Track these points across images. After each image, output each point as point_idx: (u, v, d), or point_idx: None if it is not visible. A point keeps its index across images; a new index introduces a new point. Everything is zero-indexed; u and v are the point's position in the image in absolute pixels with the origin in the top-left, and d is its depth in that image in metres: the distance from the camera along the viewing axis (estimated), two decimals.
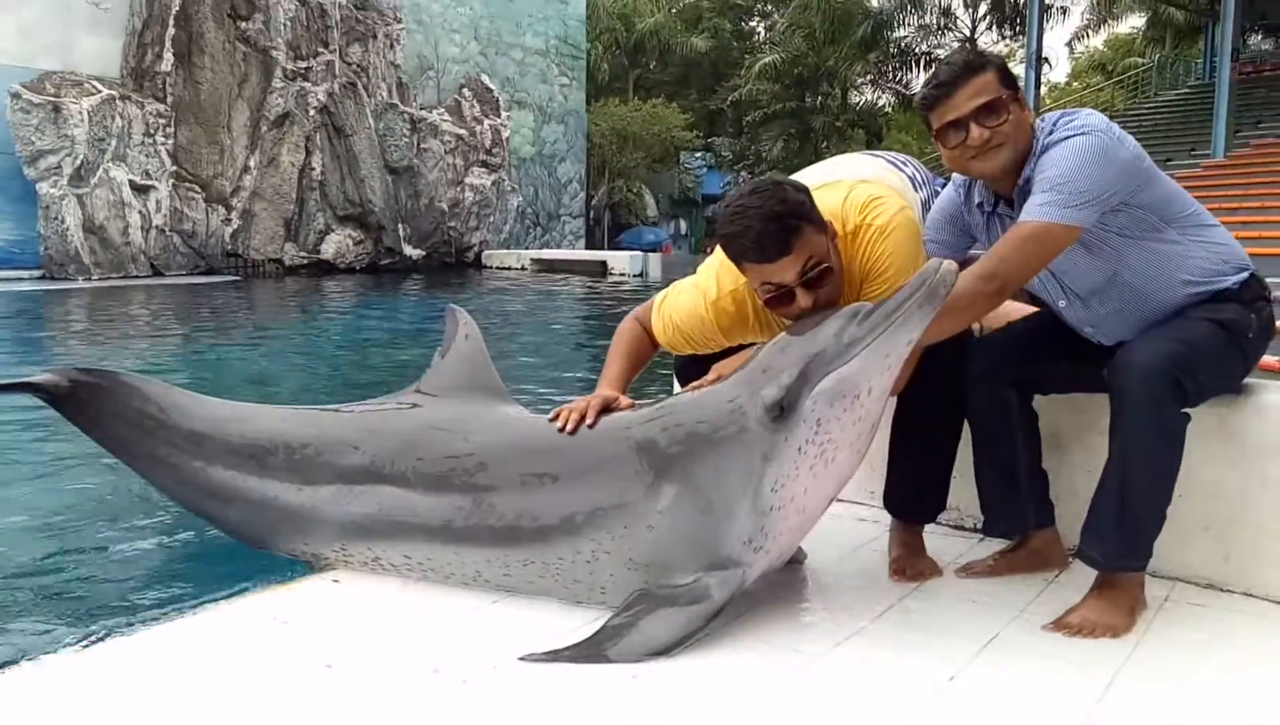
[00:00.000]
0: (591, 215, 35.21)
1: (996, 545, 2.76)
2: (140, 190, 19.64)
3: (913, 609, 2.43)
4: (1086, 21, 37.59)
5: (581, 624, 2.29)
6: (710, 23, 41.30)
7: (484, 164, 26.77)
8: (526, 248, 28.61)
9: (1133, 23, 40.55)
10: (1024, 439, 2.56)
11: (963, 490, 2.80)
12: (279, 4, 21.82)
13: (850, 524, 3.06)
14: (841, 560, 2.80)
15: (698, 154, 39.53)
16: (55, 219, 18.47)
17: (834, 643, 2.22)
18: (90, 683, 2.05)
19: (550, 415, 2.48)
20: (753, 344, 2.47)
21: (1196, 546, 2.56)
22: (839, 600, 2.51)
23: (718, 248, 2.41)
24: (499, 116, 27.38)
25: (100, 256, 19.10)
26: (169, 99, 20.23)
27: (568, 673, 2.06)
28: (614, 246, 33.04)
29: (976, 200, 2.45)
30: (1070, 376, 2.54)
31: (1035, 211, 2.17)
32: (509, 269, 25.36)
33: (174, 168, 20.27)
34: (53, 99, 18.28)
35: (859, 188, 2.47)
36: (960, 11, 35.14)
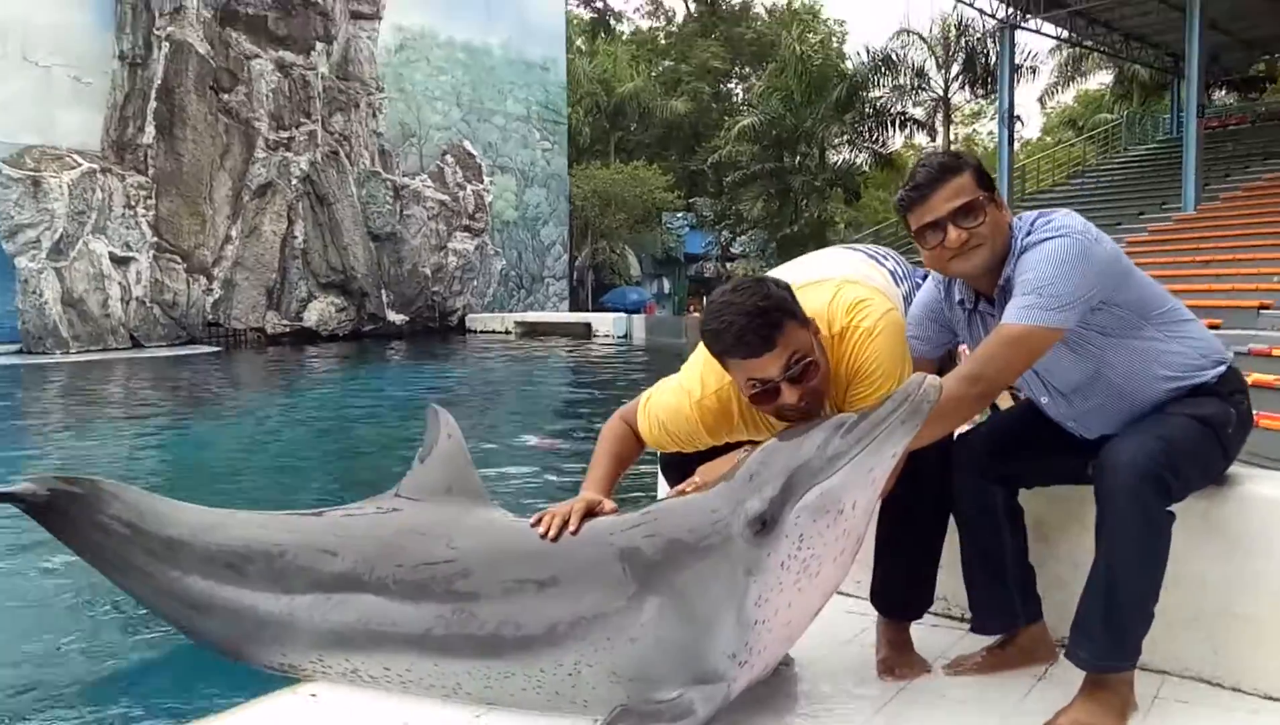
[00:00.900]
0: (575, 276, 35.42)
1: (984, 638, 2.71)
2: (120, 262, 19.65)
3: (902, 713, 2.38)
4: (1056, 79, 38.46)
5: None
6: (689, 86, 42.07)
7: (467, 229, 26.97)
8: (510, 310, 28.71)
9: (1101, 79, 41.54)
10: (1010, 534, 2.54)
11: (951, 579, 2.75)
12: (261, 76, 22.10)
13: (839, 616, 3.00)
14: (829, 656, 2.74)
15: (679, 214, 39.94)
16: (33, 293, 18.44)
17: None
18: None
19: (532, 520, 2.43)
20: (740, 445, 2.45)
21: (1185, 640, 2.52)
22: (827, 705, 2.45)
23: (700, 345, 2.40)
24: (481, 182, 27.66)
25: (79, 329, 19.03)
26: (150, 171, 20.35)
27: None
28: (598, 307, 33.19)
29: (957, 297, 2.47)
30: (1055, 470, 2.54)
31: (1017, 314, 2.19)
32: (493, 332, 25.39)
33: (155, 239, 20.32)
34: (32, 173, 18.35)
35: (845, 288, 2.46)
36: (933, 72, 35.86)
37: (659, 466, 2.87)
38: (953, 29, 34.70)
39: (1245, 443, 2.40)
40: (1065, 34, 29.30)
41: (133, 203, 19.85)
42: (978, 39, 33.84)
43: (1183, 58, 24.14)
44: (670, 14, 50.69)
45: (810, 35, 40.03)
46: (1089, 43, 30.58)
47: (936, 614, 2.93)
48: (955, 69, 35.55)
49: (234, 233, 21.74)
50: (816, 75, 33.50)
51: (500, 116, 30.20)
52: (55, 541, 3.24)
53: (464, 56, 28.87)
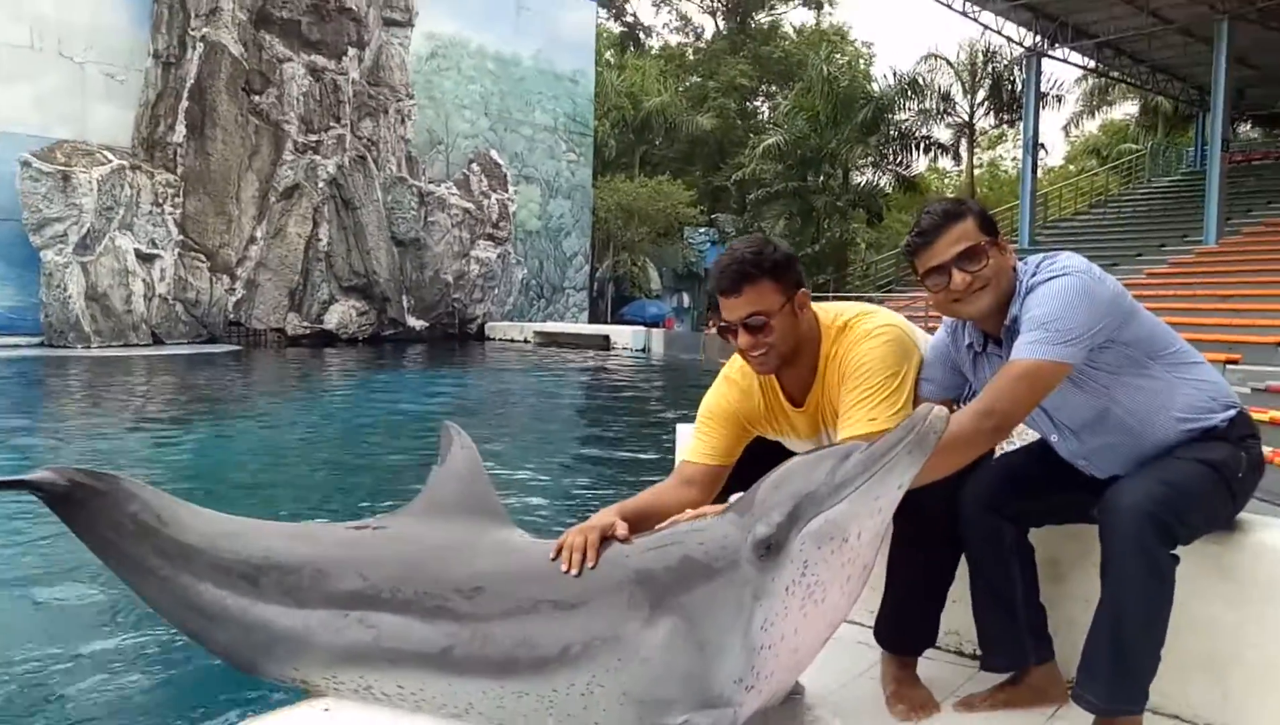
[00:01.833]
0: (595, 288, 35.51)
1: (995, 676, 2.69)
2: (145, 258, 19.85)
3: None
4: (1081, 108, 38.40)
5: None
6: (716, 103, 42.19)
7: (490, 237, 27.10)
8: (530, 319, 28.82)
9: (1126, 110, 41.42)
10: (1021, 571, 2.54)
11: (962, 614, 2.73)
12: (293, 79, 22.32)
13: (850, 647, 2.98)
14: (840, 688, 2.73)
15: (701, 229, 39.98)
16: (58, 286, 18.64)
17: None
18: None
19: (552, 553, 2.45)
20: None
21: (1195, 685, 2.51)
22: None
23: None
24: (506, 191, 27.80)
25: (101, 324, 19.22)
26: (179, 169, 20.57)
27: None
28: (617, 319, 33.24)
29: (966, 341, 2.51)
30: (1066, 508, 2.53)
31: (1024, 350, 2.24)
32: (512, 341, 25.47)
33: (180, 237, 20.52)
34: (63, 168, 18.58)
35: (868, 309, 2.62)
36: (959, 97, 35.87)
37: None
38: (980, 55, 34.75)
39: (1258, 486, 2.40)
40: (1091, 64, 29.30)
41: (160, 200, 20.07)
42: (1004, 66, 33.90)
43: (1209, 91, 24.15)
44: (699, 30, 50.98)
45: (838, 56, 40.13)
46: (1115, 74, 30.58)
47: (947, 650, 2.94)
48: (981, 94, 35.57)
49: (259, 233, 21.94)
50: (843, 96, 33.59)
51: (528, 127, 30.38)
52: (68, 538, 3.25)
53: (494, 66, 29.08)
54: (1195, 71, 27.75)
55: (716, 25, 49.84)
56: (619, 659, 2.28)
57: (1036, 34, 26.16)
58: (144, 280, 19.87)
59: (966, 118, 36.24)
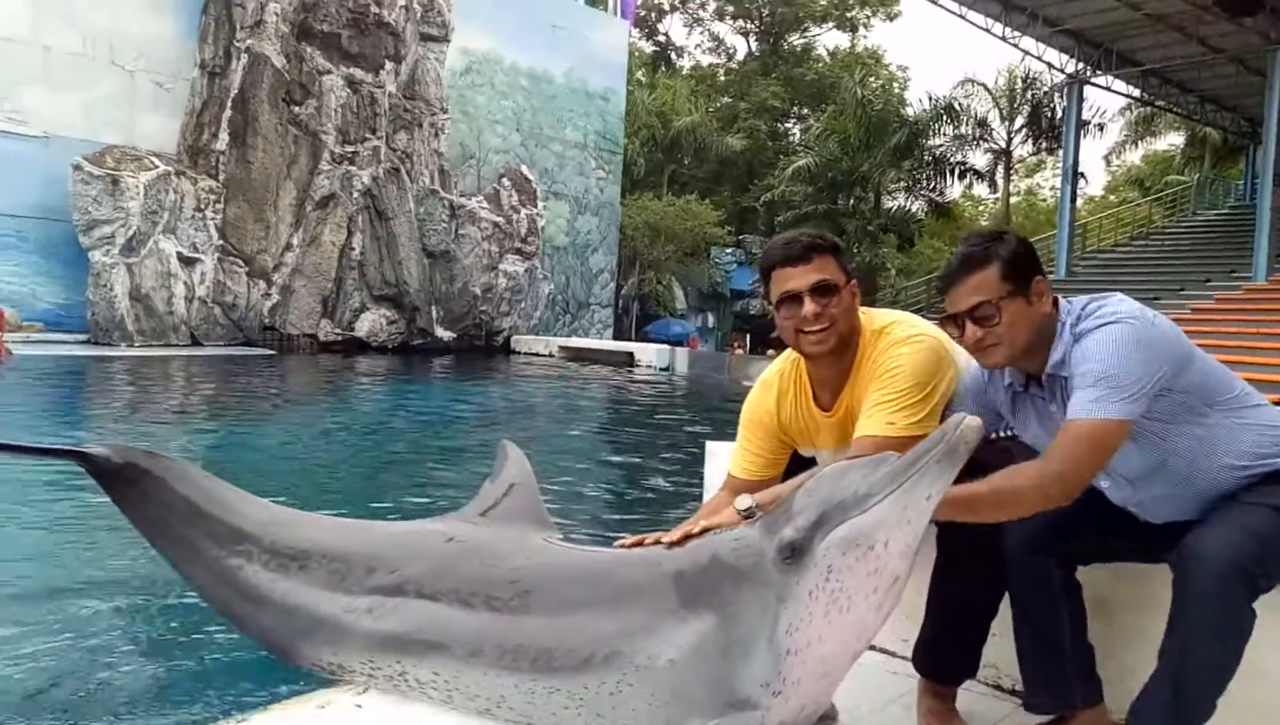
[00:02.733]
0: (620, 305, 35.62)
1: (1036, 715, 2.55)
2: (187, 262, 20.22)
3: None
4: (1124, 137, 37.94)
5: None
6: (746, 123, 42.27)
7: (519, 251, 27.31)
8: (555, 334, 28.98)
9: (1171, 140, 40.82)
10: (1068, 611, 2.44)
11: (1003, 648, 2.62)
12: (332, 91, 22.68)
13: (885, 676, 2.93)
14: (870, 715, 2.69)
15: (728, 250, 40.01)
16: (104, 286, 19.02)
17: None
18: None
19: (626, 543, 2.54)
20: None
21: None
22: None
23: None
24: (536, 206, 28.02)
25: (144, 324, 19.58)
26: (221, 176, 20.96)
27: None
28: (641, 337, 33.30)
29: (1005, 381, 2.44)
30: (1115, 551, 2.47)
31: (1084, 408, 2.15)
32: (537, 355, 25.57)
33: (220, 242, 20.88)
34: (112, 172, 18.99)
35: (908, 317, 2.65)
36: (996, 123, 35.64)
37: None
38: (1019, 81, 34.51)
39: None
40: (1136, 92, 28.87)
41: (202, 206, 20.45)
42: (1044, 92, 33.60)
43: (1260, 123, 23.65)
44: (731, 51, 51.10)
45: (872, 79, 40.12)
46: (1161, 102, 30.07)
47: (985, 684, 2.85)
48: (1019, 121, 35.31)
49: (295, 241, 22.27)
50: (876, 120, 33.52)
51: (558, 143, 30.64)
52: (107, 515, 3.27)
53: (526, 83, 29.37)
54: (1247, 102, 27.21)
55: (749, 46, 49.96)
56: (649, 658, 2.32)
57: (1079, 60, 25.83)
58: (185, 283, 20.24)
59: (1004, 144, 35.99)
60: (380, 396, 15.47)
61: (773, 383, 2.74)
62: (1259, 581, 2.08)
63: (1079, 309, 2.28)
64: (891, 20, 48.49)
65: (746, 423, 2.76)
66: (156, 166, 19.65)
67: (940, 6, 24.41)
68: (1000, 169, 36.92)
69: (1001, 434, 2.58)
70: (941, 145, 35.60)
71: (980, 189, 40.79)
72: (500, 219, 26.83)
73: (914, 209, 37.90)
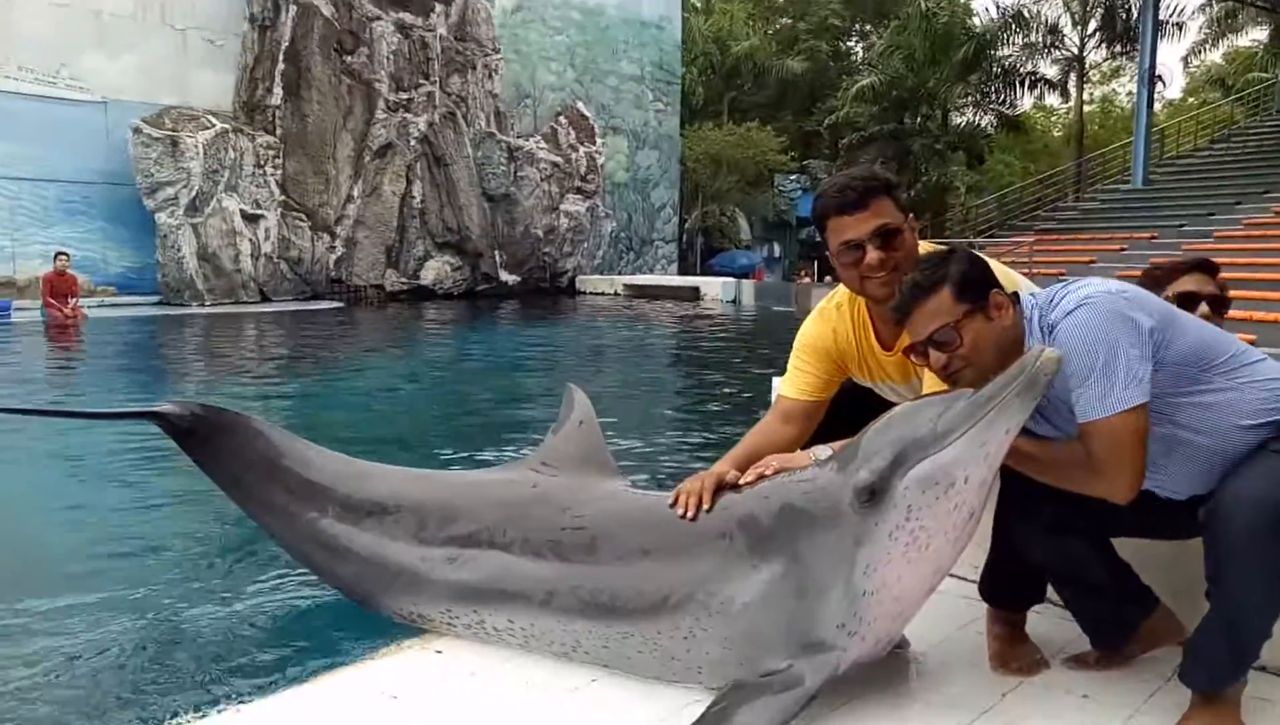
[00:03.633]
0: (684, 239, 35.32)
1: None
2: (250, 219, 20.47)
3: (1020, 706, 2.34)
4: (1204, 36, 36.12)
5: (679, 708, 2.29)
6: (806, 45, 41.12)
7: (579, 190, 27.12)
8: (619, 272, 28.87)
9: (1255, 35, 38.81)
10: (1100, 559, 2.43)
11: None
12: (382, 37, 22.55)
13: (954, 601, 2.97)
14: (945, 643, 2.72)
15: (792, 176, 39.26)
16: (172, 247, 19.37)
17: None
18: None
19: (670, 500, 2.50)
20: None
21: None
22: (941, 693, 2.43)
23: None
24: (594, 143, 27.71)
25: (213, 283, 19.95)
26: (278, 131, 21.07)
27: None
28: (706, 270, 33.06)
29: None
30: (1140, 526, 2.38)
31: (1093, 410, 2.11)
32: (602, 294, 25.59)
33: (282, 197, 21.07)
34: (171, 133, 19.21)
35: None
36: (1068, 29, 34.20)
37: None
38: None
39: None
40: None
41: (262, 162, 20.61)
42: None
43: None
44: None
45: None
46: None
47: (1057, 605, 2.84)
48: (1092, 25, 33.86)
49: (355, 192, 22.38)
50: (941, 33, 32.34)
51: (614, 77, 30.17)
52: (185, 472, 3.35)
53: (579, 16, 28.88)
54: None
55: None
56: (722, 603, 2.35)
57: None
58: (250, 240, 20.51)
59: (1076, 51, 34.59)
60: (448, 344, 15.59)
61: (830, 315, 2.71)
62: None
63: (1044, 302, 2.25)
64: None
65: (802, 347, 2.74)
66: (214, 125, 19.81)
67: None
68: (1073, 77, 35.47)
69: None
70: (1010, 55, 34.37)
71: (1052, 99, 39.36)
72: (559, 158, 26.61)
73: (983, 124, 36.84)
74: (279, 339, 15.25)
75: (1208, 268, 3.05)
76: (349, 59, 22.10)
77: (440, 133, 23.52)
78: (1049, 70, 35.46)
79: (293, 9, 21.10)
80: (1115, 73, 45.03)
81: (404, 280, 23.38)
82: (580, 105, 28.16)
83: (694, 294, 24.09)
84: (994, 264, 2.57)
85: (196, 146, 19.33)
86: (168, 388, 10.05)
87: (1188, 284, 2.91)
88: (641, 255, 31.39)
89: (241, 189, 20.23)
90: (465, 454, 6.38)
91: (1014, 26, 33.00)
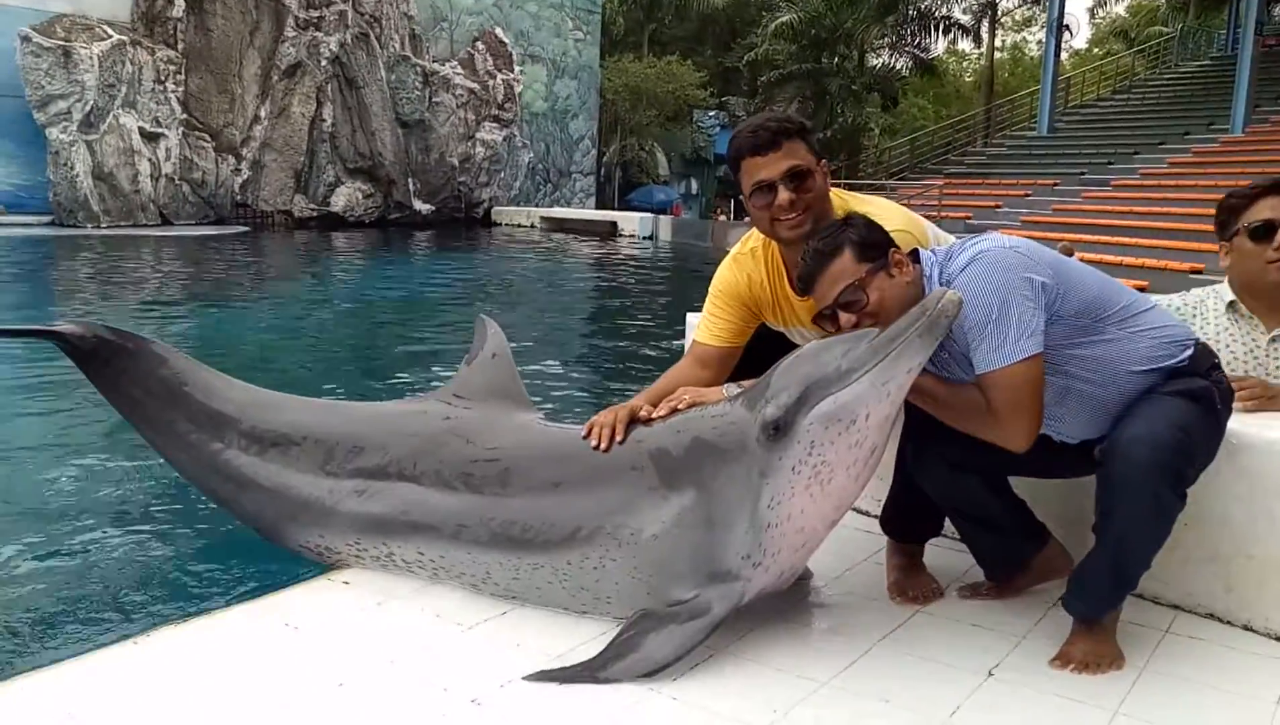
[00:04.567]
0: (602, 173, 35.01)
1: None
2: (150, 138, 19.57)
3: (915, 634, 2.46)
4: None
5: (587, 639, 2.33)
6: None
7: (496, 119, 26.60)
8: (537, 205, 28.53)
9: None
10: (992, 493, 2.53)
11: None
12: None
13: (855, 534, 3.08)
14: (846, 574, 2.83)
15: (711, 113, 39.09)
16: (65, 165, 18.43)
17: (837, 670, 2.25)
18: (106, 692, 2.09)
19: (584, 432, 2.52)
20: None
21: (1200, 576, 2.57)
22: (843, 621, 2.54)
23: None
24: (512, 71, 27.15)
25: (109, 204, 19.09)
26: (180, 45, 20.10)
27: (575, 694, 2.10)
28: (624, 205, 32.88)
29: None
30: (1034, 467, 2.46)
31: (989, 361, 2.18)
32: (519, 226, 25.29)
33: (184, 115, 20.19)
34: (63, 43, 18.15)
35: (876, 202, 2.64)
36: None
37: None
38: None
39: (1230, 415, 2.36)
40: None
41: (162, 78, 19.66)
42: None
43: None
44: None
45: None
46: None
47: (954, 538, 2.96)
48: None
49: (263, 113, 21.55)
50: None
51: (533, 3, 29.47)
52: (84, 399, 3.24)
53: None
54: None
55: None
56: (631, 534, 2.40)
57: None
58: (150, 160, 19.62)
59: None
60: (359, 273, 15.26)
61: (745, 261, 2.73)
62: (1186, 474, 2.19)
63: (942, 257, 2.31)
64: None
65: (717, 293, 2.76)
66: (110, 36, 18.80)
67: None
68: (986, 24, 35.93)
69: None
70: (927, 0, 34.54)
71: (965, 44, 39.81)
72: (475, 85, 26.02)
73: (898, 66, 37.05)
74: (180, 264, 14.70)
75: None
76: None
77: (353, 54, 22.73)
78: (963, 17, 35.88)
79: None
80: (1028, 22, 45.81)
81: (313, 206, 22.73)
82: (499, 31, 27.49)
83: (612, 229, 23.98)
84: (909, 214, 2.63)
85: (91, 58, 18.33)
86: (60, 312, 9.65)
87: (1264, 211, 2.72)
88: (559, 188, 31.05)
89: (140, 105, 19.30)
90: (376, 385, 6.31)
91: None
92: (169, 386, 3.06)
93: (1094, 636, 2.31)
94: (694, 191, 39.56)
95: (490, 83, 26.51)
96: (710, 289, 2.77)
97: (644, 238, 22.95)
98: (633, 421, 2.50)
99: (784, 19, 33.94)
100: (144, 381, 3.07)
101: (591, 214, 27.72)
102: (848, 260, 2.25)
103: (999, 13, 36.48)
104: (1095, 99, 30.14)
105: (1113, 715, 2.08)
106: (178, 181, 20.21)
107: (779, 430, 2.23)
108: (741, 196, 2.57)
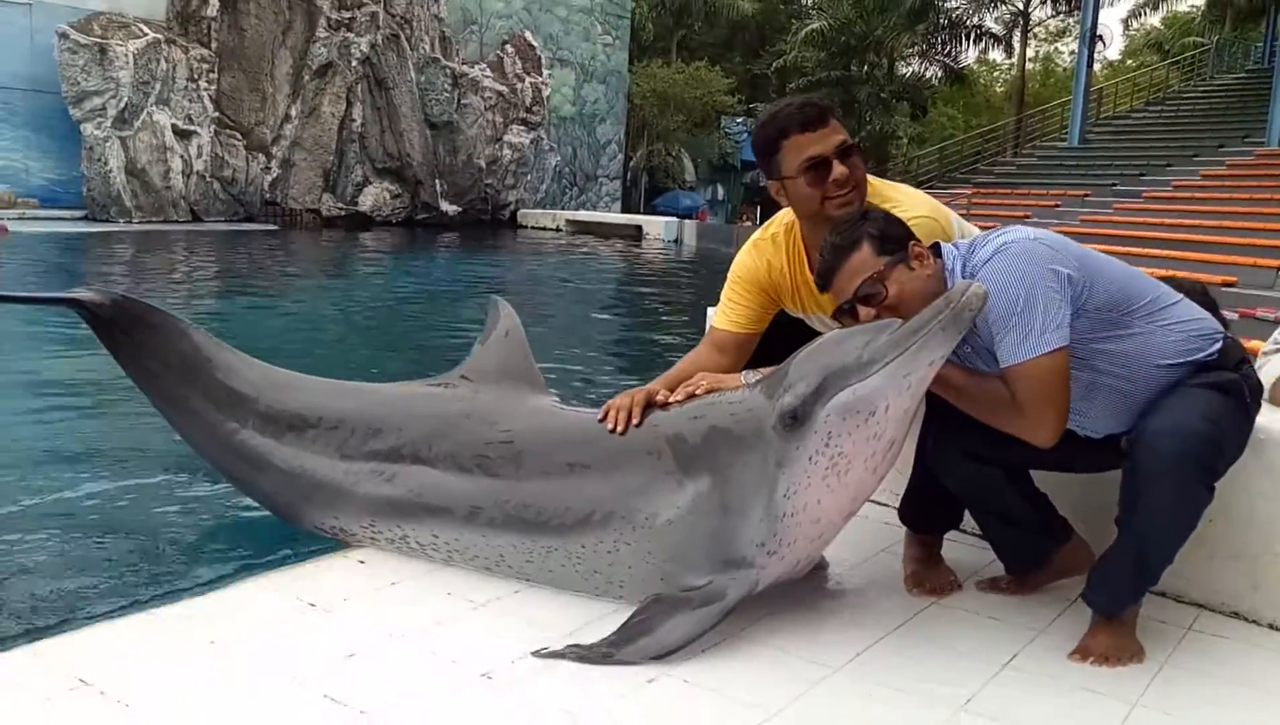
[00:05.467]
0: (629, 177, 35.02)
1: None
2: (182, 135, 19.78)
3: (930, 624, 2.43)
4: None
5: (598, 618, 2.32)
6: None
7: (523, 122, 26.68)
8: (562, 208, 28.58)
9: (1192, 1, 39.40)
10: (1012, 486, 2.48)
11: None
12: None
13: (874, 526, 3.05)
14: (863, 565, 2.80)
15: (739, 119, 38.99)
16: (98, 160, 18.66)
17: (850, 656, 2.22)
18: (117, 659, 2.10)
19: (600, 414, 2.50)
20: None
21: (1225, 574, 2.53)
22: (858, 609, 2.51)
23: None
24: (540, 74, 27.22)
25: (141, 200, 19.30)
26: (213, 44, 20.30)
27: (584, 672, 2.09)
28: (650, 210, 32.87)
29: None
30: (1057, 461, 2.39)
31: (1013, 354, 2.14)
32: (544, 229, 25.36)
33: (216, 114, 20.38)
34: (100, 40, 18.39)
35: (906, 192, 2.59)
36: None
37: None
38: None
39: (1259, 409, 2.31)
40: None
41: (195, 76, 19.87)
42: None
43: None
44: None
45: None
46: None
47: (973, 533, 2.93)
48: None
49: (293, 112, 21.73)
50: None
51: (563, 7, 29.54)
52: (101, 374, 3.23)
53: None
54: None
55: None
56: (645, 519, 2.38)
57: None
58: (182, 157, 19.83)
59: (1021, 7, 34.75)
60: (385, 271, 15.35)
61: (765, 247, 2.69)
62: (1216, 466, 2.16)
63: (965, 250, 2.28)
64: None
65: (735, 279, 2.72)
66: (145, 34, 19.02)
67: None
68: (1017, 33, 35.68)
69: None
70: (958, 7, 34.40)
71: (996, 54, 39.58)
72: (504, 88, 26.10)
73: (928, 75, 36.89)
74: (209, 260, 14.84)
75: None
76: None
77: (383, 55, 22.88)
78: (995, 25, 35.68)
79: None
80: (1062, 33, 45.42)
81: (341, 206, 22.88)
82: (528, 34, 27.57)
83: (637, 232, 23.99)
84: (935, 203, 2.60)
85: (126, 56, 18.55)
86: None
87: None
88: (585, 191, 31.08)
89: (173, 103, 19.51)
90: (397, 371, 6.33)
91: None
92: (187, 361, 3.05)
93: (1114, 631, 2.27)
94: (720, 197, 39.50)
95: (519, 86, 26.60)
96: (729, 274, 2.74)
97: (669, 241, 22.95)
98: (649, 405, 2.49)
99: (814, 26, 33.90)
100: (162, 355, 3.06)
101: (616, 217, 27.73)
102: (866, 253, 2.23)
103: (1030, 22, 36.16)
104: (1128, 110, 29.80)
105: (1132, 707, 2.05)
106: (208, 179, 20.41)
107: (796, 419, 2.20)
108: (776, 181, 2.46)
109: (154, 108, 19.15)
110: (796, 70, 34.81)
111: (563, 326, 9.76)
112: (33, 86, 18.61)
